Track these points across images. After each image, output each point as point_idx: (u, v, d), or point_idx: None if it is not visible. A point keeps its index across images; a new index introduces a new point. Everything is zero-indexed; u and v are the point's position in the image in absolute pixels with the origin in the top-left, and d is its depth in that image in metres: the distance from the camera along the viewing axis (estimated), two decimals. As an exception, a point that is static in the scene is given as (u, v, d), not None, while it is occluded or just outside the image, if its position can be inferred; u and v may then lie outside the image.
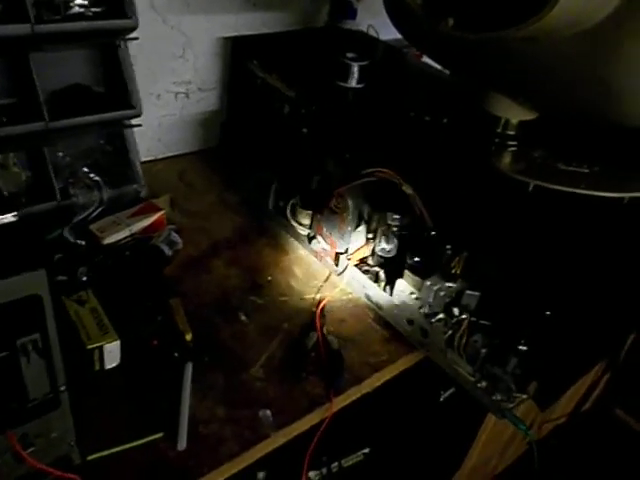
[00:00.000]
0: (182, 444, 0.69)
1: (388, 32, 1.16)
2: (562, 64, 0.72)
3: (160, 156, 1.24)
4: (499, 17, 0.68)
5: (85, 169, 0.96)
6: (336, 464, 1.13)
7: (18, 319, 0.49)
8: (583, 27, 0.64)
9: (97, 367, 0.75)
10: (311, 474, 1.04)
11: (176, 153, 1.26)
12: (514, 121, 0.92)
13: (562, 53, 0.70)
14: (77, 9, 0.91)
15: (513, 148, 0.93)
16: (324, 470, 1.10)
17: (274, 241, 1.06)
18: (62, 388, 0.57)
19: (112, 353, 0.75)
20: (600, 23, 0.64)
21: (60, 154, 0.95)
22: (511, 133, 0.94)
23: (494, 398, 0.78)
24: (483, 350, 0.78)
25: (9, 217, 0.84)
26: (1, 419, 0.52)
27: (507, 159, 0.91)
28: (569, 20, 0.63)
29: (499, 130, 0.94)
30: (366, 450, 1.17)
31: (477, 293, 0.80)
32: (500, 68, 0.78)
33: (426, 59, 1.23)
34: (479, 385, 0.79)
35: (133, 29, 0.92)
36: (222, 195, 1.16)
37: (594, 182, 0.80)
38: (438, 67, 1.14)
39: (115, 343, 0.75)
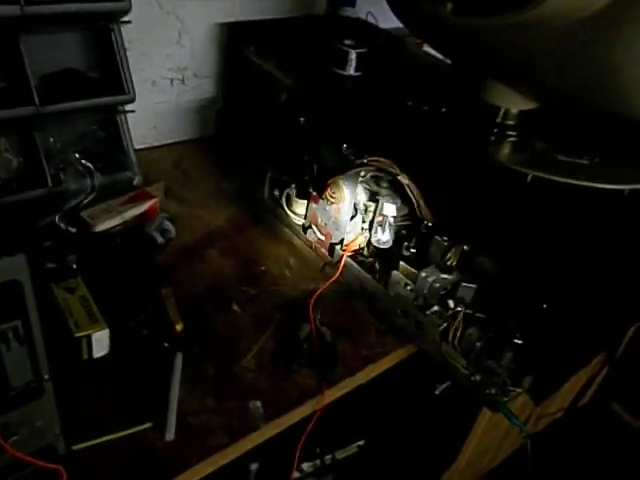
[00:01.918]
0: (170, 435, 0.68)
1: (388, 20, 1.14)
2: (562, 51, 0.70)
3: (155, 144, 1.22)
4: (497, 3, 0.66)
5: (77, 155, 0.95)
6: (330, 456, 1.12)
7: (-3, 305, 0.48)
8: (583, 13, 0.63)
9: (85, 356, 0.74)
10: (304, 466, 1.03)
11: (172, 141, 1.24)
12: (514, 111, 0.91)
13: (562, 40, 0.68)
14: (70, -9, 0.89)
15: (513, 138, 0.91)
16: (317, 462, 1.10)
17: (269, 231, 1.05)
18: (46, 377, 0.55)
19: (101, 342, 0.74)
20: (600, 10, 0.62)
21: (52, 139, 0.94)
22: (511, 123, 0.92)
23: (488, 392, 0.77)
24: (478, 343, 0.77)
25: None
26: (-20, 407, 0.51)
27: (506, 150, 0.89)
28: (568, 6, 0.61)
29: (499, 120, 0.92)
30: (360, 442, 1.16)
31: (473, 285, 0.78)
32: (499, 55, 0.76)
33: (427, 48, 1.21)
34: (473, 378, 0.78)
35: (126, 12, 0.91)
36: (218, 184, 1.14)
37: (594, 174, 0.79)
38: (439, 56, 1.12)
39: (104, 332, 0.74)
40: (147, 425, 0.69)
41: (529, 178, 0.79)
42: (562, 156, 0.83)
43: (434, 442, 1.20)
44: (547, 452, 1.67)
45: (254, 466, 0.88)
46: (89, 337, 0.73)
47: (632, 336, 1.47)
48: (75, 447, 0.64)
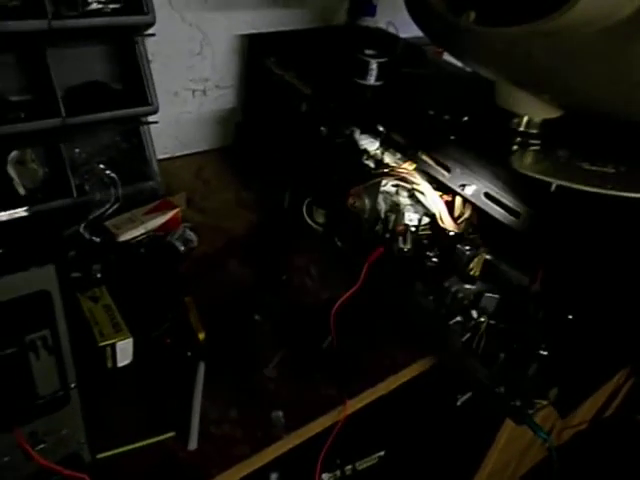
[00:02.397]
0: (193, 444, 0.69)
1: (409, 29, 1.13)
2: (588, 60, 0.69)
3: (177, 154, 1.23)
4: (521, 11, 0.65)
5: (101, 166, 0.96)
6: (350, 467, 1.12)
7: (27, 315, 0.48)
8: (610, 21, 0.62)
9: (109, 365, 0.75)
10: (324, 476, 1.03)
11: (193, 151, 1.26)
12: (537, 119, 0.90)
13: (588, 49, 0.67)
14: (95, 5, 0.90)
15: (536, 147, 0.90)
16: (338, 472, 1.09)
17: (290, 240, 1.05)
18: (72, 385, 0.56)
19: (125, 351, 0.75)
20: (628, 17, 0.61)
21: (77, 150, 0.95)
22: (534, 132, 0.91)
23: (513, 403, 0.76)
24: (502, 354, 0.76)
25: (21, 212, 0.84)
26: (9, 416, 0.52)
27: (529, 158, 0.88)
28: (595, 13, 0.61)
29: (521, 129, 0.91)
30: (381, 453, 1.15)
31: (496, 296, 0.78)
32: (523, 64, 0.75)
33: (446, 56, 1.21)
34: (497, 390, 0.77)
35: (150, 25, 0.92)
36: (238, 193, 1.15)
37: (621, 182, 0.77)
38: (459, 64, 1.12)
39: (128, 341, 0.74)
40: (170, 434, 0.69)
41: (553, 187, 0.78)
42: (587, 164, 0.82)
43: (455, 453, 1.18)
44: (571, 464, 1.64)
45: (274, 476, 0.88)
46: (113, 346, 0.73)
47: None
48: (100, 455, 0.64)
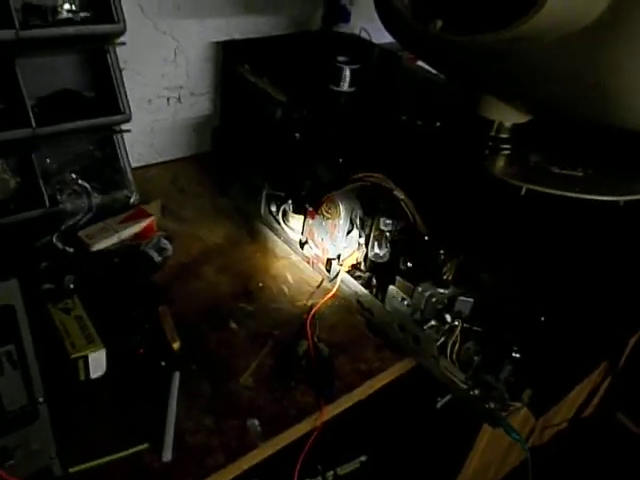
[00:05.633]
0: (168, 455, 0.68)
1: (384, 35, 1.15)
2: (552, 66, 0.70)
3: (152, 162, 1.23)
4: (488, 18, 0.66)
5: (74, 175, 0.95)
6: (331, 472, 1.11)
7: (-10, 330, 0.48)
8: (571, 29, 0.63)
9: (82, 377, 0.74)
10: (305, 483, 1.02)
11: (169, 158, 1.25)
12: (507, 124, 0.91)
13: (552, 55, 0.68)
14: (65, 14, 0.90)
15: (507, 152, 0.91)
16: (319, 479, 1.09)
17: (266, 247, 1.05)
18: (40, 400, 0.55)
19: (97, 362, 0.74)
20: (588, 26, 0.63)
21: (48, 160, 0.94)
22: (504, 136, 0.92)
23: (487, 406, 0.76)
24: (476, 357, 0.77)
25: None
26: (-25, 433, 0.51)
27: (500, 163, 0.90)
28: (557, 22, 0.62)
29: (492, 134, 0.92)
30: (363, 458, 1.15)
31: (470, 299, 0.78)
32: (491, 70, 0.77)
33: (421, 62, 1.22)
34: (472, 393, 0.77)
35: (121, 34, 0.92)
36: (214, 200, 1.15)
37: (588, 185, 0.79)
38: (433, 70, 1.13)
39: (100, 352, 0.74)
40: (144, 446, 0.68)
41: (523, 191, 0.79)
42: (556, 168, 0.83)
43: (437, 456, 1.18)
44: (553, 463, 1.66)
45: (255, 483, 0.88)
46: (86, 358, 0.73)
47: (634, 345, 1.46)
48: (72, 469, 0.64)
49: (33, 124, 0.87)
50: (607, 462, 1.76)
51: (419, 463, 1.17)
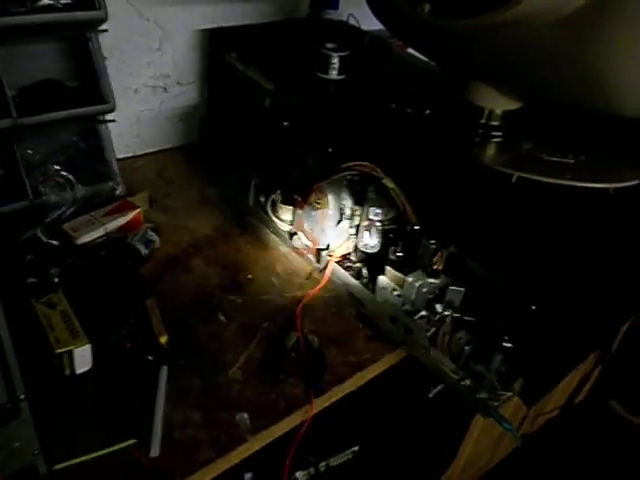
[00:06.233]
0: (155, 450, 0.67)
1: (372, 22, 1.13)
2: (541, 50, 0.69)
3: (139, 152, 1.21)
4: (475, 4, 0.65)
5: (57, 167, 0.93)
6: (324, 463, 1.11)
7: (-34, 327, 0.46)
8: (560, 13, 0.62)
9: (67, 372, 0.72)
10: (298, 474, 1.02)
11: (155, 149, 1.23)
12: (498, 111, 0.90)
13: (542, 40, 0.67)
14: (46, 1, 0.88)
15: (498, 139, 0.90)
16: (311, 470, 1.08)
17: (255, 238, 1.03)
18: (21, 397, 0.54)
19: (83, 357, 0.73)
20: (578, 9, 0.62)
21: (29, 152, 0.92)
22: (495, 124, 0.91)
23: (479, 396, 0.76)
24: (467, 347, 0.76)
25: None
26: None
27: (491, 150, 0.88)
28: (545, 6, 0.61)
29: (483, 121, 0.91)
30: (355, 448, 1.15)
31: (462, 289, 0.77)
32: (480, 56, 0.75)
33: (410, 49, 1.21)
34: (463, 383, 0.77)
35: (103, 21, 0.89)
36: (202, 191, 1.13)
37: (579, 173, 0.78)
38: (422, 58, 1.11)
39: (86, 347, 0.72)
40: (131, 441, 0.67)
41: (514, 179, 0.78)
42: (547, 155, 0.82)
43: (430, 446, 1.18)
44: (545, 450, 1.67)
45: (248, 476, 0.87)
46: (71, 353, 0.71)
47: (625, 332, 1.46)
48: (57, 466, 0.63)
49: (14, 114, 0.84)
50: (599, 448, 1.77)
51: (412, 453, 1.16)
